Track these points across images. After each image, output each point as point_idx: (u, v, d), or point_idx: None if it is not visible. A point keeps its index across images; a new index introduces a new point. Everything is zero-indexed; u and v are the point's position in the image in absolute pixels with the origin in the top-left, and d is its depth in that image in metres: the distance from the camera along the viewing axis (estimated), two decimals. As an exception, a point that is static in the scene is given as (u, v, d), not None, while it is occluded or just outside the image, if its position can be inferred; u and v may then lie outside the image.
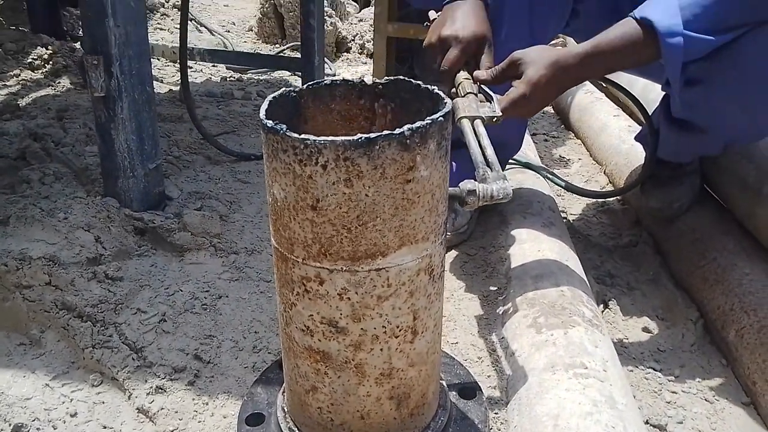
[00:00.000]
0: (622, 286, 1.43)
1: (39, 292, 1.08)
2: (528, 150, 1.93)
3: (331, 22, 3.19)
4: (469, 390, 0.92)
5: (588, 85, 2.67)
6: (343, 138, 0.60)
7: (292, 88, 0.75)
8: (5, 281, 1.10)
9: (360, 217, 0.63)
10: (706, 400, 1.07)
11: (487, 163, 0.86)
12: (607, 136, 2.12)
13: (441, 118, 0.64)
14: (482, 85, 1.07)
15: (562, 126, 2.65)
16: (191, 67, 2.73)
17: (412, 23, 2.61)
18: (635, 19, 1.01)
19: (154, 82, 2.48)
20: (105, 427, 0.91)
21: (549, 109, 2.84)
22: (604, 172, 2.02)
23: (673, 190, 1.48)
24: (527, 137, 2.11)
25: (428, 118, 0.63)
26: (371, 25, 2.94)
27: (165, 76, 2.61)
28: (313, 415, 0.77)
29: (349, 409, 0.75)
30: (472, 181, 0.82)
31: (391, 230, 0.65)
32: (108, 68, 1.19)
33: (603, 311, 1.30)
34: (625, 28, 1.02)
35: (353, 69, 3.16)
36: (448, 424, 0.84)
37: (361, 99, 0.80)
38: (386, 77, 0.78)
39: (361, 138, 0.60)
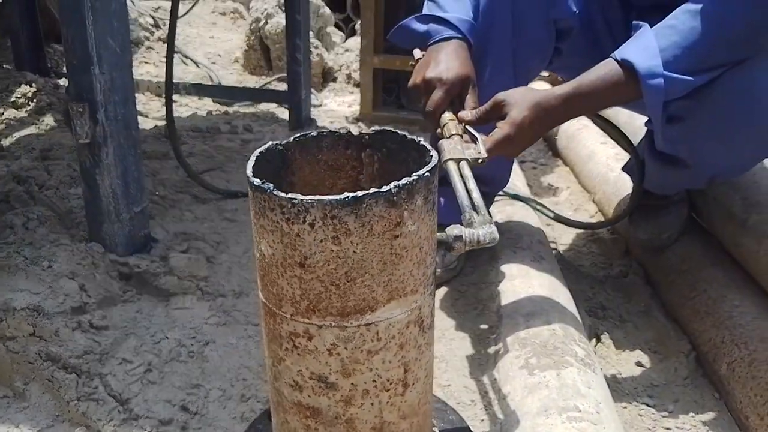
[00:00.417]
0: (614, 318, 1.43)
1: (23, 344, 1.06)
2: (516, 179, 1.94)
3: (317, 53, 3.22)
4: (463, 437, 0.91)
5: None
6: (330, 197, 0.59)
7: (278, 142, 0.75)
8: (-13, 332, 1.07)
9: (348, 273, 0.63)
10: (700, 436, 1.07)
11: (474, 207, 0.86)
12: (594, 164, 2.14)
13: (427, 174, 0.64)
14: (467, 126, 1.08)
15: (550, 153, 2.67)
16: (177, 102, 2.73)
17: (398, 55, 2.64)
18: (616, 60, 1.03)
19: (139, 117, 2.49)
20: (90, 485, 0.89)
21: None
22: (593, 200, 2.03)
23: (660, 220, 1.49)
24: (515, 166, 2.13)
25: (414, 174, 0.63)
26: (357, 55, 2.96)
27: (150, 111, 2.61)
28: (304, 472, 0.76)
29: (341, 466, 0.73)
30: (459, 226, 0.82)
31: (380, 285, 0.65)
32: (93, 115, 1.19)
33: (596, 345, 1.30)
34: (606, 69, 1.04)
35: (340, 99, 3.18)
36: (442, 474, 0.83)
37: (348, 149, 0.80)
38: (372, 128, 0.78)
39: (348, 197, 0.59)
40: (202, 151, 2.12)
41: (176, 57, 3.33)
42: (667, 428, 1.08)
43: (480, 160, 1.00)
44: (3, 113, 2.33)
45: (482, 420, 1.00)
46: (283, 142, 0.75)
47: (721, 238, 1.40)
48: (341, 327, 0.66)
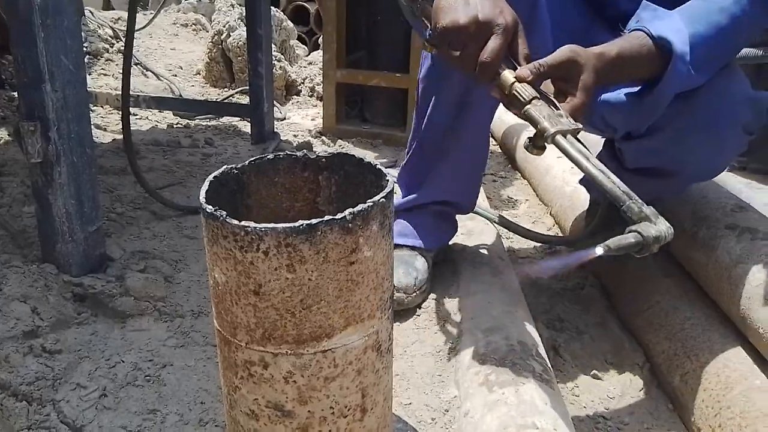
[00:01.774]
0: (572, 330, 1.45)
1: (-31, 371, 1.02)
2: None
3: (280, 66, 3.21)
4: (423, 457, 0.91)
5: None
6: (284, 225, 0.59)
7: (233, 166, 0.74)
8: (-68, 360, 1.03)
9: (304, 300, 0.63)
10: (655, 448, 1.09)
11: (631, 196, 0.78)
12: (551, 177, 2.19)
13: (383, 200, 0.65)
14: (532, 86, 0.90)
15: (509, 166, 2.71)
16: (137, 114, 2.69)
17: (361, 69, 2.66)
18: (649, 35, 0.98)
19: (97, 130, 2.44)
20: None
21: (496, 148, 2.92)
22: (550, 213, 2.07)
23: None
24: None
25: (369, 200, 0.63)
26: (321, 69, 2.97)
27: (108, 124, 2.56)
28: (262, 500, 0.75)
29: (299, 493, 0.73)
30: (645, 225, 0.74)
31: (336, 312, 0.65)
32: (45, 133, 1.16)
33: (553, 358, 1.32)
34: (638, 42, 0.98)
35: (303, 112, 3.18)
36: (401, 496, 0.83)
37: (305, 172, 0.80)
38: (328, 152, 0.78)
39: (302, 224, 0.59)
40: (161, 165, 2.09)
41: (136, 69, 3.28)
42: None
43: (578, 131, 0.86)
44: (-48, 127, 2.25)
45: (442, 438, 1.01)
46: (239, 166, 0.75)
47: (674, 250, 1.45)
48: (297, 354, 0.65)
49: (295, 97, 3.36)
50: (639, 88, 1.11)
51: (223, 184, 0.72)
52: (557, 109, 0.87)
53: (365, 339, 0.69)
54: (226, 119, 2.78)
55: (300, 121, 2.99)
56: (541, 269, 1.00)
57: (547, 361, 1.14)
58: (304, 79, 3.40)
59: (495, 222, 1.69)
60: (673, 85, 1.01)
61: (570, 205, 1.87)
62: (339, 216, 0.61)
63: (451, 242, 1.56)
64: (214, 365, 1.15)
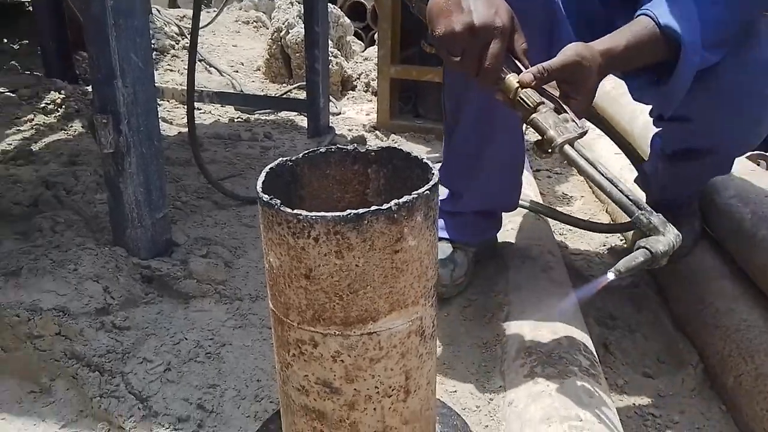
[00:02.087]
0: (623, 328, 1.44)
1: (49, 342, 1.12)
2: (528, 188, 1.96)
3: (337, 62, 3.27)
4: (465, 443, 0.94)
5: (588, 123, 2.72)
6: (333, 214, 0.63)
7: (288, 158, 0.79)
8: (17, 331, 1.13)
9: (351, 285, 0.67)
10: (704, 448, 1.08)
11: (640, 205, 0.78)
12: (608, 173, 2.15)
13: (427, 192, 0.68)
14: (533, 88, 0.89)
15: (565, 162, 2.67)
16: (200, 109, 2.81)
17: (415, 65, 2.68)
18: (656, 22, 0.95)
19: (164, 123, 2.56)
20: (112, 479, 0.94)
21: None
22: (606, 211, 2.04)
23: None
24: (528, 175, 2.14)
25: (415, 192, 0.66)
26: (376, 64, 3.00)
27: (174, 118, 2.68)
28: (310, 472, 0.79)
29: (344, 467, 0.77)
30: (658, 239, 0.76)
31: (381, 297, 0.68)
32: (117, 126, 1.24)
33: (603, 355, 1.32)
34: (643, 31, 0.95)
35: (358, 107, 3.23)
36: (443, 477, 0.86)
37: (355, 165, 0.83)
38: (378, 146, 0.82)
39: (350, 213, 0.63)
40: (223, 157, 2.18)
41: (200, 65, 3.41)
42: None
43: (583, 135, 0.86)
44: (33, 119, 2.42)
45: (486, 426, 1.03)
46: (293, 158, 0.79)
47: (732, 251, 1.41)
48: (345, 336, 0.69)
49: (350, 92, 3.41)
50: (656, 76, 1.07)
51: (278, 175, 0.77)
52: (563, 110, 0.87)
53: (409, 324, 0.72)
54: (284, 114, 2.86)
55: (355, 115, 3.04)
56: (561, 309, 1.02)
57: (595, 356, 1.14)
58: (359, 75, 3.45)
59: (542, 213, 1.68)
60: (686, 74, 0.98)
61: (625, 202, 1.84)
62: (385, 206, 0.64)
63: (500, 238, 1.57)
64: (270, 346, 1.21)
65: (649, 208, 0.80)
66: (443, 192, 1.48)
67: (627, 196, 0.80)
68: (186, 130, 2.23)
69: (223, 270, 1.40)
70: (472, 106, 1.26)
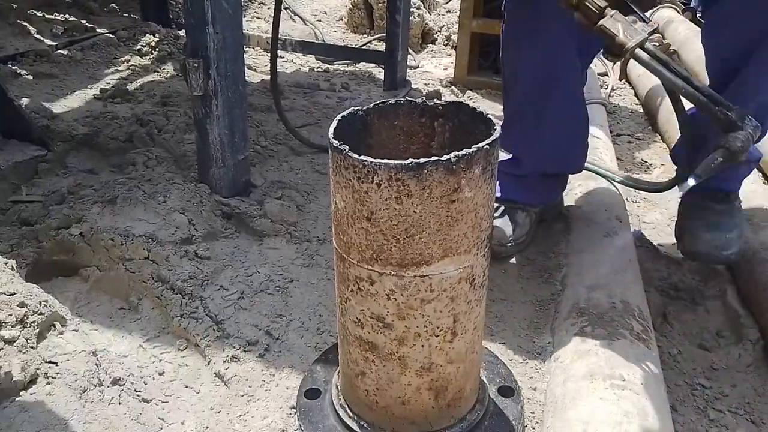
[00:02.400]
0: (686, 300, 1.42)
1: (139, 265, 1.24)
2: (605, 152, 1.92)
3: (419, 13, 3.24)
4: (508, 389, 0.99)
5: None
6: (396, 162, 0.68)
7: (359, 107, 0.84)
8: (112, 254, 1.27)
9: (408, 230, 0.72)
10: (752, 422, 1.07)
11: (715, 100, 0.78)
12: (691, 142, 2.07)
13: (487, 146, 0.71)
14: None
15: (650, 128, 2.58)
16: (283, 57, 2.89)
17: (498, 19, 2.62)
18: None
19: (248, 70, 2.66)
20: (187, 387, 1.06)
21: (638, 108, 2.78)
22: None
23: (723, 232, 1.32)
24: (605, 138, 2.09)
25: (474, 146, 0.70)
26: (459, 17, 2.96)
27: (258, 65, 2.78)
28: (361, 397, 0.87)
29: (391, 395, 0.84)
30: (734, 135, 0.76)
31: (436, 243, 0.73)
32: (207, 70, 1.33)
33: (660, 324, 1.32)
34: None
35: (437, 61, 3.21)
36: (483, 417, 0.92)
37: (422, 117, 0.87)
38: (446, 100, 0.85)
39: (411, 162, 0.68)
40: (301, 106, 2.26)
41: (285, 14, 3.48)
42: (719, 410, 1.10)
43: (655, 31, 0.84)
44: (129, 60, 2.58)
45: (531, 377, 1.08)
46: (364, 108, 0.84)
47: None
48: (399, 276, 0.75)
49: (430, 45, 3.39)
50: None
51: (349, 123, 0.82)
52: (630, 11, 0.84)
53: (460, 271, 0.77)
54: (362, 65, 2.90)
55: (433, 69, 3.03)
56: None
57: (649, 322, 1.15)
58: (441, 28, 3.41)
59: (613, 180, 1.64)
60: None
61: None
62: (445, 158, 0.68)
63: (567, 201, 1.56)
64: (333, 286, 1.29)
65: (727, 103, 0.77)
66: (506, 153, 1.49)
67: (702, 93, 0.78)
68: (268, 77, 2.33)
69: (295, 212, 1.49)
70: (530, 62, 1.25)
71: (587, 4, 0.86)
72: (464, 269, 0.77)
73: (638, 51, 0.82)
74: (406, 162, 0.68)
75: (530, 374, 1.08)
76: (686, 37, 2.96)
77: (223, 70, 1.36)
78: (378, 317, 0.79)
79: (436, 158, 0.68)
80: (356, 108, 0.84)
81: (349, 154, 0.71)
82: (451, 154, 0.69)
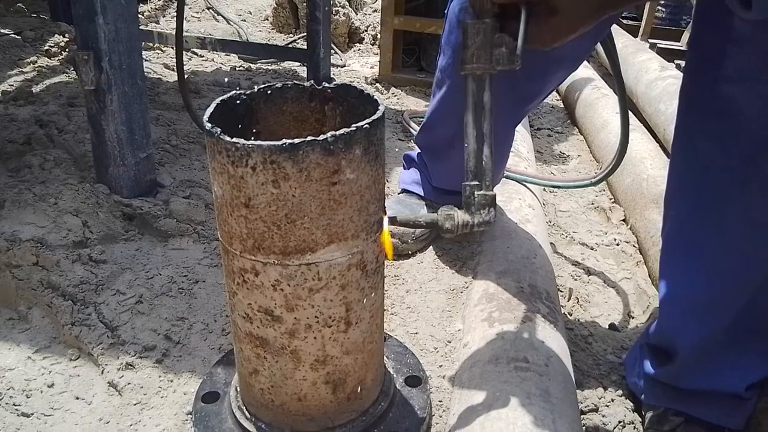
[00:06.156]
0: (598, 284, 1.45)
1: (27, 272, 1.16)
2: (522, 144, 1.95)
3: (344, 13, 3.22)
4: (416, 378, 0.97)
5: (597, 80, 2.67)
6: (269, 143, 0.64)
7: (243, 91, 0.80)
8: (-2, 260, 1.18)
9: (288, 215, 0.68)
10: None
11: (478, 174, 0.77)
12: (606, 133, 2.13)
13: (367, 126, 0.68)
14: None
15: (569, 121, 2.65)
16: (203, 56, 2.80)
17: (419, 17, 2.63)
18: None
19: (165, 70, 2.57)
20: (78, 398, 0.99)
21: (558, 103, 2.85)
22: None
23: None
24: (524, 131, 2.13)
25: (354, 125, 0.67)
26: (382, 16, 2.96)
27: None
28: (257, 396, 0.83)
29: (287, 391, 0.80)
30: (452, 209, 0.77)
31: (319, 228, 0.70)
32: (98, 63, 1.26)
33: (572, 307, 1.34)
34: None
35: (364, 60, 3.20)
36: (389, 409, 0.89)
37: (312, 101, 0.84)
38: (335, 83, 0.82)
39: (285, 143, 0.64)
40: (218, 104, 2.19)
41: (207, 13, 3.39)
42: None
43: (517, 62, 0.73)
44: (36, 61, 2.44)
45: (441, 365, 1.06)
46: (248, 92, 0.80)
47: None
48: (284, 265, 0.71)
49: (357, 44, 3.38)
50: None
51: (231, 108, 0.78)
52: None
53: (349, 257, 0.74)
54: (287, 64, 2.85)
55: (359, 68, 3.02)
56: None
57: (557, 305, 1.16)
58: (368, 27, 3.41)
59: (520, 182, 1.65)
60: None
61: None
62: (321, 137, 0.65)
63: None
64: (241, 285, 1.24)
65: (488, 182, 0.77)
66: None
67: (478, 160, 0.76)
68: (187, 77, 2.24)
69: (203, 211, 1.43)
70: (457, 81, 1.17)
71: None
72: (353, 255, 0.74)
73: (467, 79, 0.76)
74: (280, 143, 0.64)
75: (440, 363, 1.07)
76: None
77: (116, 62, 1.29)
78: (266, 310, 0.75)
79: (312, 138, 0.65)
80: (239, 92, 0.80)
81: (221, 136, 0.67)
82: (328, 134, 0.66)
